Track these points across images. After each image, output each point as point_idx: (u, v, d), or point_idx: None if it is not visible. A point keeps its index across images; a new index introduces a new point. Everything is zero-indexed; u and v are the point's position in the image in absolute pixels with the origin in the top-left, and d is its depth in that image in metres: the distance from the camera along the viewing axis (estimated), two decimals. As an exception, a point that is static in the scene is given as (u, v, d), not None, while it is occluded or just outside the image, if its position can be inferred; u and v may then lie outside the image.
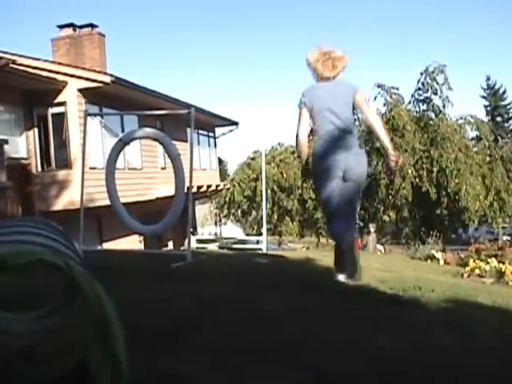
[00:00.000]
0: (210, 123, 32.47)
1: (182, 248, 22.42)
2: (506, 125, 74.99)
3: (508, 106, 77.93)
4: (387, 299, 5.83)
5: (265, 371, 3.42)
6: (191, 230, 9.61)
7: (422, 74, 23.49)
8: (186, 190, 9.28)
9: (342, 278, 6.91)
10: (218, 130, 35.99)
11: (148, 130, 10.69)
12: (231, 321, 4.56)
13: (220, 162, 39.71)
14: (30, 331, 3.39)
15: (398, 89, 23.73)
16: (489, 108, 77.04)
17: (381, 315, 5.02)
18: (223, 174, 41.24)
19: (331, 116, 6.92)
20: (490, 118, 68.84)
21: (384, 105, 23.51)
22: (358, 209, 8.95)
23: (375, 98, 23.71)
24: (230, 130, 35.87)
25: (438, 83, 23.16)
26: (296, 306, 5.29)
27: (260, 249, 16.78)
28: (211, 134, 35.11)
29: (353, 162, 6.91)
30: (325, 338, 4.18)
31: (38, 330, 3.39)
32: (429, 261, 14.92)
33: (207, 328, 4.34)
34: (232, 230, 32.91)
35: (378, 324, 4.69)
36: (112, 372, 2.25)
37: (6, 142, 15.80)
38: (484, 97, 78.74)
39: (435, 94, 23.40)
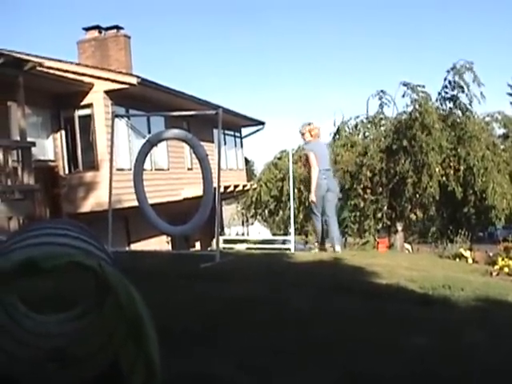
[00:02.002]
0: (236, 123, 32.48)
1: (209, 248, 22.43)
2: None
3: (534, 103, 77.26)
4: (417, 298, 5.80)
5: (293, 372, 3.41)
6: (219, 230, 9.60)
7: (448, 71, 23.30)
8: (213, 190, 9.28)
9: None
10: (245, 130, 36.01)
11: (176, 131, 10.70)
12: (260, 321, 4.55)
13: (246, 161, 39.71)
14: (61, 333, 3.41)
15: (424, 86, 23.57)
16: (515, 105, 76.34)
17: (411, 314, 5.00)
18: (250, 173, 41.21)
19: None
20: (516, 115, 68.22)
21: (411, 102, 23.34)
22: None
23: (403, 96, 23.57)
24: (257, 130, 35.90)
25: (464, 81, 22.98)
26: (325, 305, 5.28)
27: (288, 249, 16.70)
28: (237, 134, 35.12)
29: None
30: (354, 337, 4.17)
31: (68, 331, 3.41)
32: (457, 259, 14.75)
33: (236, 328, 4.35)
34: (259, 230, 32.90)
35: (408, 323, 4.67)
36: (145, 372, 2.25)
37: (34, 144, 15.89)
38: (510, 94, 78.16)
39: (462, 91, 23.20)
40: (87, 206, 20.77)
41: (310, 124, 11.97)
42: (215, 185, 9.31)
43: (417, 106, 22.96)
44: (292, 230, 14.57)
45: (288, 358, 3.67)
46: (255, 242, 24.67)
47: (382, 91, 24.25)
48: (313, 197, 11.63)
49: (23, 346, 3.08)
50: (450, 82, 23.57)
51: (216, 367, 3.37)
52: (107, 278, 2.14)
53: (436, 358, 3.76)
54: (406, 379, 3.33)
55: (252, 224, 31.15)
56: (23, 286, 3.93)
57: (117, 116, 11.31)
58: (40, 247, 2.20)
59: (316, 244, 12.05)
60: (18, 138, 15.92)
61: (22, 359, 2.92)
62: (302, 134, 11.98)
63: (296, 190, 22.26)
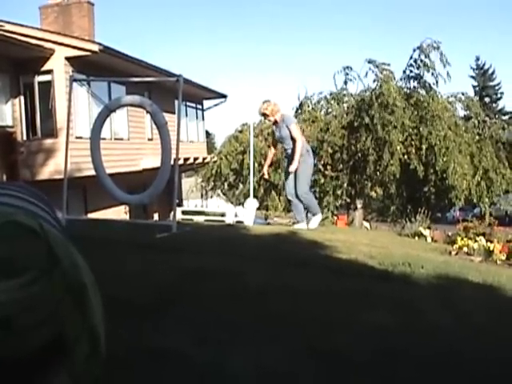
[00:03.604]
0: (198, 95, 32.28)
1: (167, 219, 22.33)
2: (493, 105, 74.93)
3: (496, 87, 77.97)
4: (377, 274, 5.72)
5: (249, 346, 3.30)
6: (177, 201, 9.46)
7: (414, 50, 23.33)
8: (172, 161, 9.13)
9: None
10: (206, 103, 35.87)
11: (135, 96, 10.52)
12: (216, 294, 4.43)
13: (207, 134, 39.57)
14: (8, 300, 3.25)
15: (389, 65, 23.57)
16: (477, 88, 76.99)
17: (371, 290, 4.91)
18: (210, 147, 41.09)
19: None
20: (478, 98, 68.90)
21: (374, 81, 23.37)
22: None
23: (366, 74, 23.59)
24: (218, 103, 35.77)
25: (430, 60, 23.03)
26: (283, 279, 5.18)
27: (241, 222, 16.70)
28: (199, 107, 34.93)
29: None
30: (312, 312, 4.07)
31: (16, 299, 3.25)
32: (416, 238, 14.80)
33: (191, 301, 4.22)
34: (218, 204, 32.85)
35: (368, 299, 4.58)
36: (88, 347, 2.09)
37: (-9, 108, 15.62)
38: (473, 77, 78.75)
39: (428, 71, 23.24)
40: (45, 174, 20.51)
41: (267, 101, 11.38)
42: (174, 154, 9.15)
43: (378, 85, 23.01)
44: (251, 202, 14.42)
45: (244, 331, 3.55)
46: (214, 215, 24.57)
47: (347, 67, 24.25)
48: (293, 167, 10.90)
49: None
50: (415, 61, 23.62)
51: (169, 341, 3.24)
52: (48, 241, 1.97)
53: (398, 336, 3.68)
54: (366, 355, 3.23)
55: (211, 197, 31.08)
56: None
57: (75, 80, 11.13)
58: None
59: (300, 220, 11.35)
60: (-25, 102, 15.64)
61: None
62: (263, 114, 11.58)
63: (256, 164, 22.19)
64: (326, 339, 3.49)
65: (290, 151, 11.15)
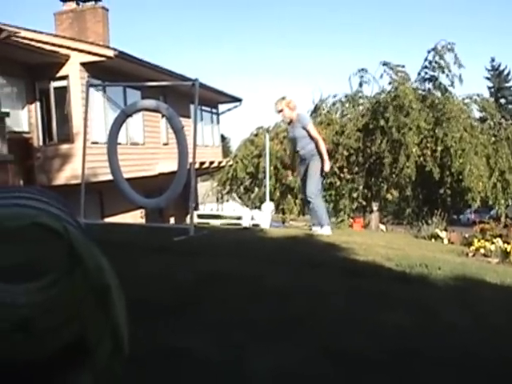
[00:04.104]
0: (213, 100, 32.34)
1: (183, 223, 22.37)
2: (509, 107, 74.59)
3: (512, 88, 77.69)
4: (394, 276, 5.73)
5: (270, 347, 3.32)
6: (193, 205, 9.49)
7: (429, 51, 23.25)
8: (188, 165, 9.17)
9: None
10: (222, 107, 35.90)
11: (152, 101, 10.53)
12: (236, 296, 4.46)
13: (223, 138, 39.62)
14: (28, 303, 3.30)
15: (403, 67, 23.52)
16: (492, 90, 76.71)
17: (389, 292, 4.92)
18: (226, 150, 41.13)
19: None
20: (493, 99, 68.68)
21: (389, 83, 23.31)
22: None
23: (382, 76, 23.54)
24: (234, 107, 35.78)
25: (445, 61, 22.95)
26: (302, 281, 5.20)
27: (257, 225, 16.72)
28: (214, 111, 34.97)
29: None
30: (331, 313, 4.10)
31: (36, 301, 3.30)
32: (432, 240, 14.80)
33: (211, 303, 4.25)
34: (234, 208, 32.82)
35: (386, 300, 4.59)
36: (111, 346, 2.13)
37: (8, 114, 15.70)
38: (488, 78, 78.49)
39: (443, 72, 23.15)
40: (62, 179, 20.59)
41: (284, 98, 11.07)
42: (191, 159, 9.18)
43: (394, 87, 22.96)
44: (267, 205, 14.39)
45: (263, 332, 3.58)
46: (230, 218, 24.57)
47: (362, 69, 24.20)
48: (328, 167, 10.74)
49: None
50: (430, 63, 23.55)
51: (189, 341, 3.27)
52: (72, 242, 2.01)
53: (415, 336, 3.69)
54: (383, 356, 3.25)
55: (227, 201, 31.07)
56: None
57: (91, 85, 11.15)
58: (2, 208, 2.07)
59: (322, 225, 10.64)
60: (-8, 108, 15.74)
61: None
62: (280, 111, 11.11)
63: (272, 168, 22.16)
64: (343, 340, 3.51)
65: (302, 152, 10.86)
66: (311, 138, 10.71)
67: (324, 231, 10.45)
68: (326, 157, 10.59)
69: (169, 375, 2.84)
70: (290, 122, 11.18)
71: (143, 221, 23.35)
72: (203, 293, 4.52)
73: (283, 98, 11.02)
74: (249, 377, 2.90)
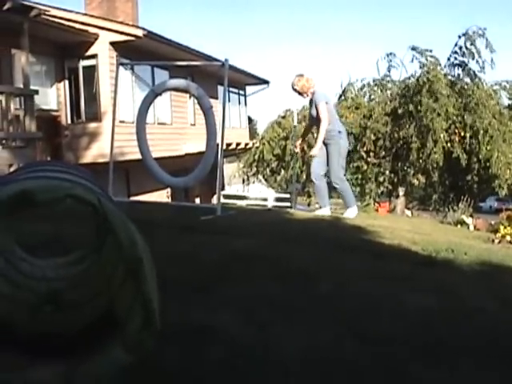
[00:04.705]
0: (241, 81, 32.28)
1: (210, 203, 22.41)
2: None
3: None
4: (420, 260, 5.71)
5: (296, 327, 3.34)
6: (221, 183, 9.48)
7: (460, 36, 23.08)
8: (216, 144, 9.17)
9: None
10: (249, 89, 35.81)
11: (181, 80, 10.51)
12: (262, 276, 4.48)
13: (250, 120, 39.56)
14: (58, 277, 3.34)
15: (431, 51, 23.39)
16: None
17: (415, 275, 4.93)
18: (253, 133, 41.08)
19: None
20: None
21: (420, 67, 23.19)
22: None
23: (412, 60, 23.40)
24: (261, 89, 35.69)
25: (476, 47, 22.78)
26: (330, 263, 5.21)
27: (289, 207, 16.71)
28: (242, 93, 34.91)
29: None
30: (360, 295, 4.10)
31: (65, 275, 3.34)
32: (458, 226, 14.73)
33: (237, 282, 4.27)
34: (259, 189, 32.89)
35: (412, 283, 4.59)
36: (142, 318, 2.15)
37: (37, 92, 15.74)
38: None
39: (473, 58, 22.99)
40: (89, 157, 20.69)
41: (301, 75, 10.52)
42: (219, 137, 9.19)
43: (425, 71, 22.82)
44: (293, 188, 14.36)
45: (289, 312, 3.60)
46: (256, 199, 24.62)
47: (391, 54, 24.09)
48: (315, 151, 10.16)
49: (20, 289, 3.01)
50: (460, 48, 23.36)
51: (216, 318, 3.30)
52: (107, 215, 2.03)
53: (441, 320, 3.69)
54: (409, 339, 3.26)
55: (253, 183, 31.11)
56: (21, 229, 3.84)
57: (121, 64, 11.16)
58: (37, 180, 2.09)
59: (322, 206, 10.53)
60: (22, 86, 15.80)
61: (19, 303, 2.85)
62: (296, 89, 10.59)
63: (299, 150, 22.16)
64: (370, 322, 3.52)
65: None
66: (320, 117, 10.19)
67: (350, 212, 10.24)
68: (319, 141, 10.15)
69: (196, 351, 2.87)
70: (311, 101, 10.59)
71: (169, 200, 23.43)
72: (230, 272, 4.54)
73: (301, 75, 10.57)
74: (275, 355, 2.92)
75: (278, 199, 26.89)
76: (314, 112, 10.43)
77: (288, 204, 22.04)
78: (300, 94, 10.65)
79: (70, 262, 3.55)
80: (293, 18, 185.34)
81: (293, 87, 10.61)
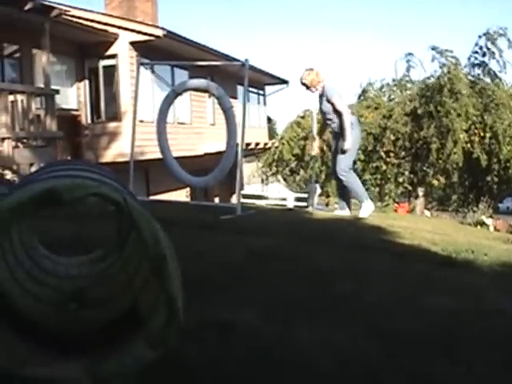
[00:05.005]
0: (260, 81, 32.25)
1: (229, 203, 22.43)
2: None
3: None
4: (440, 260, 5.71)
5: (317, 324, 3.36)
6: (240, 182, 9.49)
7: (480, 36, 23.01)
8: (236, 144, 9.19)
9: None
10: (268, 89, 35.78)
11: (201, 80, 10.54)
12: (282, 273, 4.51)
13: (269, 120, 39.52)
14: (81, 275, 3.38)
15: (452, 51, 23.31)
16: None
17: (434, 275, 4.92)
18: (272, 132, 41.05)
19: None
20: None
21: (440, 67, 23.11)
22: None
23: (433, 60, 23.33)
24: (280, 89, 35.66)
25: (497, 46, 22.68)
26: (347, 261, 5.22)
27: (306, 206, 16.71)
28: (261, 92, 34.87)
29: None
30: (379, 294, 4.11)
31: (88, 273, 3.38)
32: (478, 227, 14.69)
33: (258, 279, 4.31)
34: (278, 189, 32.88)
35: (432, 283, 4.60)
36: (166, 314, 2.18)
37: (58, 92, 15.81)
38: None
39: (493, 57, 22.89)
40: (109, 156, 20.75)
41: (311, 69, 10.20)
42: (239, 136, 9.20)
43: (445, 71, 22.75)
44: (312, 187, 14.32)
45: (309, 309, 3.63)
46: (275, 199, 24.62)
47: (410, 54, 24.05)
48: (349, 145, 9.73)
49: (44, 287, 3.05)
50: (480, 48, 23.28)
51: (239, 315, 3.34)
52: (132, 213, 2.05)
53: (460, 319, 3.69)
54: (428, 336, 3.27)
55: (272, 183, 31.13)
56: (44, 228, 3.88)
57: (142, 64, 11.20)
58: (62, 179, 2.12)
59: (362, 201, 10.09)
60: (43, 86, 15.89)
61: (43, 300, 2.89)
62: (305, 83, 10.27)
63: (319, 150, 22.11)
64: (389, 320, 3.53)
65: (332, 125, 10.14)
66: (337, 111, 9.94)
67: (364, 210, 9.91)
68: (347, 133, 9.75)
69: (220, 346, 2.90)
70: (321, 95, 10.26)
71: (188, 200, 23.47)
72: (250, 271, 4.57)
73: (310, 69, 10.26)
74: (297, 350, 2.95)
75: (297, 199, 26.89)
76: (325, 107, 10.16)
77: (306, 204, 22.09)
78: (308, 88, 10.35)
79: (92, 260, 3.60)
80: (315, 20, 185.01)
81: (301, 81, 10.34)
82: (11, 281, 2.82)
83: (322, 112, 10.47)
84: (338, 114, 9.90)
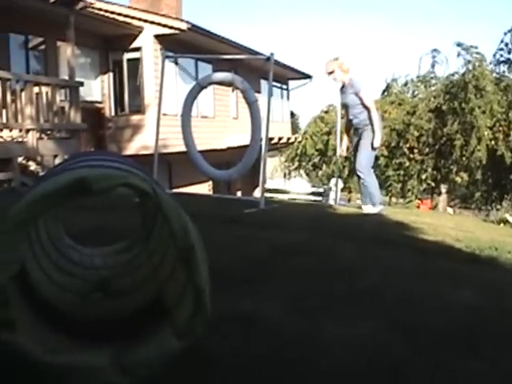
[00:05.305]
0: (283, 75, 32.20)
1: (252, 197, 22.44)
2: None
3: None
4: (464, 257, 5.69)
5: (341, 317, 3.37)
6: (264, 176, 9.47)
7: (506, 33, 22.86)
8: (260, 138, 9.18)
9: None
10: (292, 83, 35.74)
11: (227, 73, 10.54)
12: (305, 268, 4.52)
13: (292, 115, 39.46)
14: (106, 266, 3.40)
15: (477, 47, 23.15)
16: None
17: (458, 272, 4.90)
18: (295, 127, 40.99)
19: None
20: None
21: (465, 63, 22.95)
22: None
23: (458, 55, 23.17)
24: (304, 84, 35.59)
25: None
26: (370, 256, 5.22)
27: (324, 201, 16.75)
28: (284, 87, 34.83)
29: None
30: (402, 290, 4.11)
31: (113, 264, 3.40)
32: (501, 225, 14.64)
33: (282, 273, 4.32)
34: (300, 184, 32.83)
35: (456, 279, 4.58)
36: (193, 306, 2.19)
37: (82, 84, 15.87)
38: None
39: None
40: (132, 149, 20.82)
41: (336, 58, 9.71)
42: (264, 129, 9.18)
43: (470, 68, 22.60)
44: (337, 182, 14.27)
45: (332, 304, 3.63)
46: (298, 194, 24.61)
47: (435, 50, 23.90)
48: (379, 141, 9.54)
49: (70, 277, 3.08)
50: (506, 45, 23.11)
51: (263, 309, 3.35)
52: (161, 203, 2.06)
53: (483, 316, 3.68)
54: (452, 332, 3.27)
55: (294, 177, 31.08)
56: (69, 219, 3.90)
57: (167, 57, 11.21)
58: (92, 169, 2.14)
59: (374, 203, 9.57)
60: (67, 78, 15.97)
61: (70, 290, 2.92)
62: (331, 73, 9.75)
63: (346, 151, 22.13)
64: (412, 315, 3.53)
65: (355, 121, 9.64)
66: (364, 106, 9.52)
67: (371, 208, 9.52)
68: (377, 129, 9.44)
69: (243, 339, 2.92)
70: (343, 87, 9.83)
71: (211, 193, 23.50)
72: (274, 264, 4.58)
73: (336, 59, 9.75)
74: (320, 344, 2.96)
75: (319, 194, 26.86)
76: (350, 100, 9.68)
77: (327, 198, 22.06)
78: (333, 78, 9.84)
79: (117, 251, 3.62)
80: (337, 17, 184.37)
81: (326, 71, 9.83)
82: (39, 271, 2.85)
83: (345, 105, 10.03)
84: (365, 108, 9.51)
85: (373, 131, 9.45)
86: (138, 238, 3.52)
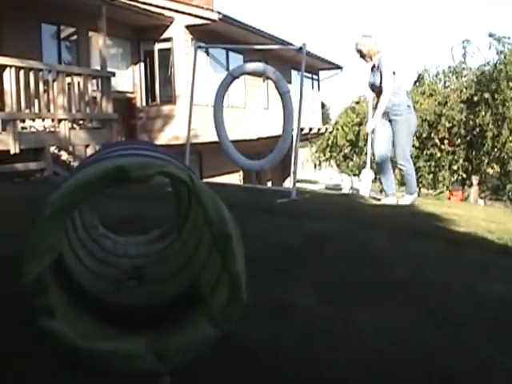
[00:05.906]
0: (314, 66, 32.16)
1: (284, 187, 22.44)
2: None
3: None
4: (496, 248, 5.65)
5: (372, 309, 3.37)
6: (296, 166, 9.45)
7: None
8: (292, 128, 9.18)
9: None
10: (322, 74, 35.67)
11: (259, 63, 10.55)
12: (338, 258, 4.51)
13: (322, 105, 39.38)
14: (139, 254, 3.43)
15: (509, 38, 22.99)
16: None
17: (491, 263, 4.88)
18: (325, 118, 40.91)
19: None
20: None
21: (497, 54, 22.83)
22: None
23: (490, 47, 23.03)
24: (335, 74, 35.50)
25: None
26: (403, 247, 5.21)
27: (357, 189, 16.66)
28: (315, 77, 34.78)
29: None
30: (433, 280, 4.11)
31: (147, 252, 3.43)
32: (533, 217, 14.49)
33: (315, 263, 4.32)
34: (330, 176, 32.79)
35: (488, 271, 4.55)
36: (229, 295, 2.20)
37: (113, 74, 15.95)
38: None
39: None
40: (163, 139, 20.89)
41: (369, 36, 9.13)
42: (296, 120, 9.16)
43: (502, 58, 22.46)
44: (368, 172, 14.20)
45: (365, 295, 3.64)
46: (329, 184, 24.60)
47: (467, 40, 23.75)
48: (371, 127, 9.32)
49: (105, 265, 3.10)
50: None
51: (296, 298, 3.36)
52: (197, 192, 2.08)
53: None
54: (484, 324, 3.26)
55: (325, 168, 31.06)
56: (102, 207, 3.94)
57: (199, 47, 11.22)
58: (130, 157, 2.16)
59: (389, 194, 9.43)
60: (99, 68, 16.05)
61: (105, 278, 2.95)
62: (360, 51, 9.17)
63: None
64: (446, 307, 3.52)
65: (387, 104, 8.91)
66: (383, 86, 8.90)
67: (407, 200, 9.31)
68: (377, 114, 9.00)
69: (277, 327, 2.94)
70: (373, 67, 9.19)
71: (241, 183, 23.54)
72: (306, 254, 4.59)
73: (368, 36, 9.17)
74: (355, 334, 2.99)
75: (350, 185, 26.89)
76: (377, 80, 9.06)
77: (359, 189, 21.99)
78: (363, 57, 9.20)
79: (151, 240, 3.64)
80: (369, 6, 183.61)
81: (357, 47, 9.19)
82: (74, 259, 2.87)
83: (371, 85, 9.39)
84: (395, 91, 8.92)
85: (399, 115, 8.97)
86: (172, 227, 3.54)
